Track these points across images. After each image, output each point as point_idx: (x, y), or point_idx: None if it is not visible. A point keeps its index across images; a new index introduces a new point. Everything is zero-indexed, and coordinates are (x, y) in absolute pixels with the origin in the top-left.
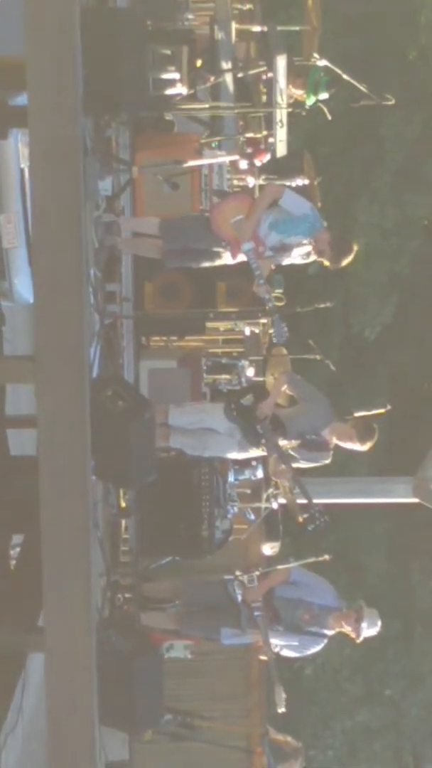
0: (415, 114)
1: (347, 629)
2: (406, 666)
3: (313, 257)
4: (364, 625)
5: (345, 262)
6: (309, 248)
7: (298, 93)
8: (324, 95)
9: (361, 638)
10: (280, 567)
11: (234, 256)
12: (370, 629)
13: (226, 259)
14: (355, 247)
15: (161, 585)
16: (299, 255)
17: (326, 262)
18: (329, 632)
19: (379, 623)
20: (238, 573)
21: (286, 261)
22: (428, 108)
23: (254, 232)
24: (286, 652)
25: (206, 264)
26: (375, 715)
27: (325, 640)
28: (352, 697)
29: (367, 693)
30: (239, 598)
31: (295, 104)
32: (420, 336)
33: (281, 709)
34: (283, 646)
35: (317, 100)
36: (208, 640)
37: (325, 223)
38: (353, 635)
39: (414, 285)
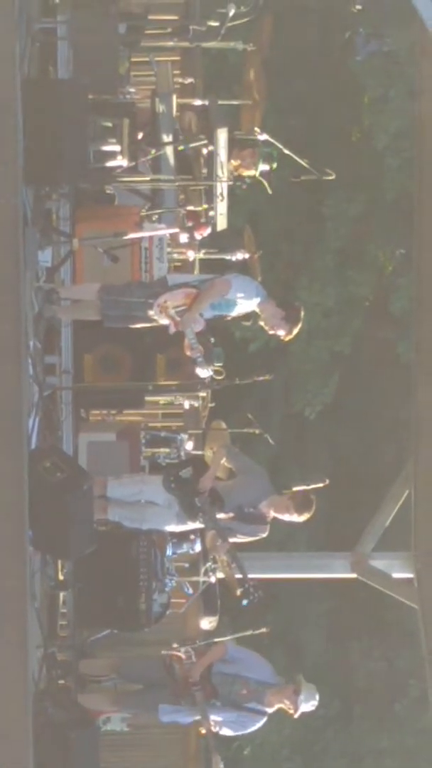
0: (358, 193)
1: (285, 704)
2: (346, 745)
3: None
4: (302, 699)
5: (297, 329)
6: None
7: (238, 164)
8: (264, 167)
9: (299, 713)
10: (217, 640)
11: (172, 330)
12: (308, 704)
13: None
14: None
15: (98, 662)
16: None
17: (281, 335)
18: (268, 709)
19: (317, 698)
20: (175, 646)
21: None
22: (370, 187)
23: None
24: (225, 731)
25: (144, 323)
26: None
27: (264, 718)
28: None
29: None
30: (177, 673)
31: (236, 178)
32: (360, 415)
33: None
34: (222, 722)
35: (259, 173)
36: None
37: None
38: (291, 710)
39: (355, 364)
